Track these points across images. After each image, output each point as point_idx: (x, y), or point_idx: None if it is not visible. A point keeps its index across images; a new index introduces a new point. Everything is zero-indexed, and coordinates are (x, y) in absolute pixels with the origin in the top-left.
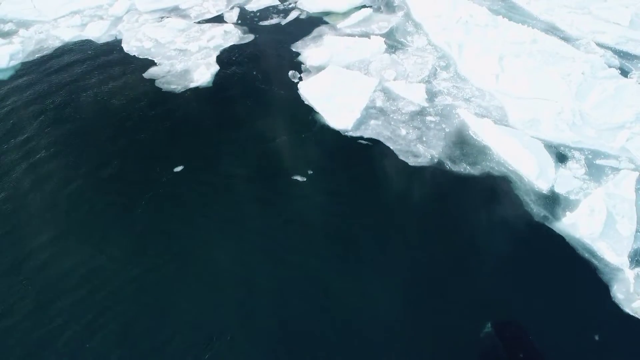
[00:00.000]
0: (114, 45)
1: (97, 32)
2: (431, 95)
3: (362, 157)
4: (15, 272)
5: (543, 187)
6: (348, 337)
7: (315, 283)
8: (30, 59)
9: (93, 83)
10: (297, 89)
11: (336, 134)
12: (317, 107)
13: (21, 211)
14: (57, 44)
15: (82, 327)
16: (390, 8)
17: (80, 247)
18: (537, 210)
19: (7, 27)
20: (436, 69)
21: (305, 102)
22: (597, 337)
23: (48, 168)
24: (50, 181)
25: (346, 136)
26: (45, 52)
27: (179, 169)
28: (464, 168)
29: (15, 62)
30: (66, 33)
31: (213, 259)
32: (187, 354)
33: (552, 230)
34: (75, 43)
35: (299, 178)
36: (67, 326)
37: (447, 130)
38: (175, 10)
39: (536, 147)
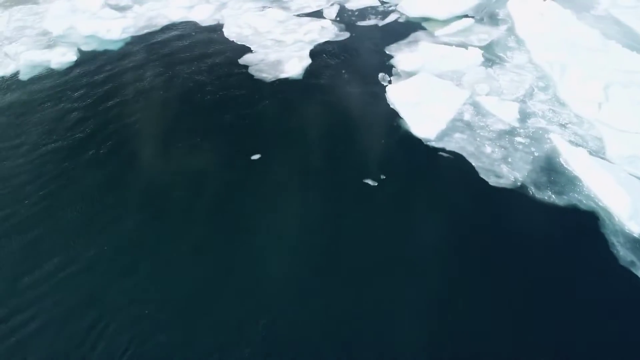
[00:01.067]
0: (216, 29)
1: (202, 15)
2: (524, 116)
3: (440, 169)
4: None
5: (635, 229)
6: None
7: (364, 284)
8: (139, 33)
9: (190, 60)
10: (385, 92)
11: (418, 142)
12: (403, 112)
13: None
14: (164, 22)
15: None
16: (493, 20)
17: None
18: (624, 254)
19: (123, 2)
20: (533, 89)
21: (391, 106)
22: None
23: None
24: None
25: (427, 146)
26: (153, 29)
27: (256, 157)
28: (548, 196)
29: (125, 36)
30: (174, 13)
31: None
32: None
33: (638, 277)
34: (180, 23)
35: (370, 182)
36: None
37: (536, 154)
38: (277, 2)
39: (633, 185)
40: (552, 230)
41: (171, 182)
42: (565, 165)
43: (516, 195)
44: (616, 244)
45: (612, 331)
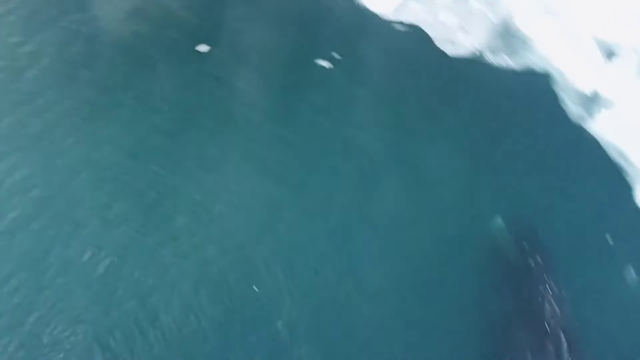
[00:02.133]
0: None
1: None
2: None
3: (397, 43)
4: None
5: (585, 86)
6: None
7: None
8: None
9: None
10: None
11: (373, 17)
12: None
13: None
14: None
15: None
16: None
17: None
18: (574, 110)
19: None
20: None
21: None
22: (609, 239)
23: None
24: None
25: (383, 20)
26: None
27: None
28: (504, 60)
29: None
30: None
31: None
32: None
33: (587, 131)
34: None
35: (324, 63)
36: None
37: (491, 19)
38: None
39: (586, 43)
40: (506, 91)
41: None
42: (521, 28)
43: (473, 62)
44: (567, 100)
45: (558, 180)
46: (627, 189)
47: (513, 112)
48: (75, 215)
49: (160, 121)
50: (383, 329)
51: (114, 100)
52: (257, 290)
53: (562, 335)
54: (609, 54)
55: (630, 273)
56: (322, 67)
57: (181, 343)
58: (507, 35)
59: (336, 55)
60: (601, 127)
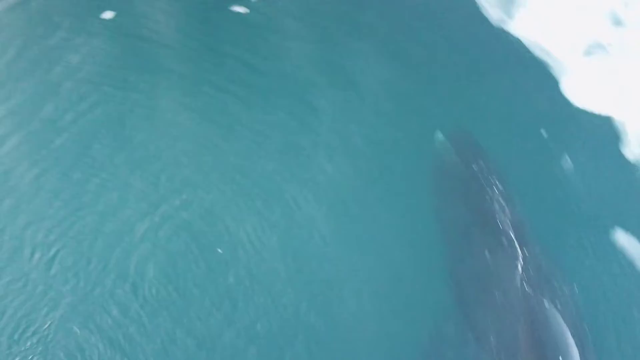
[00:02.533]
0: None
1: None
2: None
3: None
4: None
5: None
6: None
7: None
8: None
9: None
10: None
11: None
12: None
13: None
14: None
15: None
16: None
17: None
18: (493, 13)
19: None
20: None
21: None
22: (544, 133)
23: None
24: None
25: None
26: None
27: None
28: None
29: None
30: None
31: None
32: None
33: (509, 33)
34: None
35: (240, 9)
36: None
37: None
38: None
39: None
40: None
41: None
42: None
43: None
44: (486, 4)
45: (486, 85)
46: (554, 82)
47: (432, 20)
48: None
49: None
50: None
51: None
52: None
53: (512, 230)
54: None
55: (567, 162)
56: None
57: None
58: None
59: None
60: (521, 27)
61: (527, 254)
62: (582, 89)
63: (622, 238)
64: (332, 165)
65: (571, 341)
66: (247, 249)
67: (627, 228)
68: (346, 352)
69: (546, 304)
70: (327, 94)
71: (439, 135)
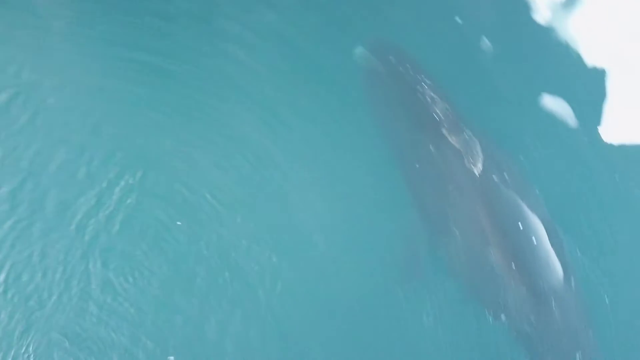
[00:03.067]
0: None
1: None
2: None
3: None
4: None
5: None
6: None
7: None
8: None
9: None
10: None
11: None
12: None
13: None
14: None
15: None
16: None
17: None
18: None
19: None
20: None
21: None
22: (459, 20)
23: None
24: None
25: None
26: None
27: None
28: None
29: None
30: None
31: None
32: None
33: None
34: None
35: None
36: None
37: None
38: None
39: None
40: None
41: None
42: None
43: None
44: None
45: None
46: None
47: None
48: None
49: None
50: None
51: None
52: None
53: (448, 119)
54: None
55: (486, 43)
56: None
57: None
58: None
59: None
60: None
61: (468, 138)
62: None
63: (549, 102)
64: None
65: (526, 207)
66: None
67: (552, 92)
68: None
69: (495, 178)
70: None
71: (360, 50)
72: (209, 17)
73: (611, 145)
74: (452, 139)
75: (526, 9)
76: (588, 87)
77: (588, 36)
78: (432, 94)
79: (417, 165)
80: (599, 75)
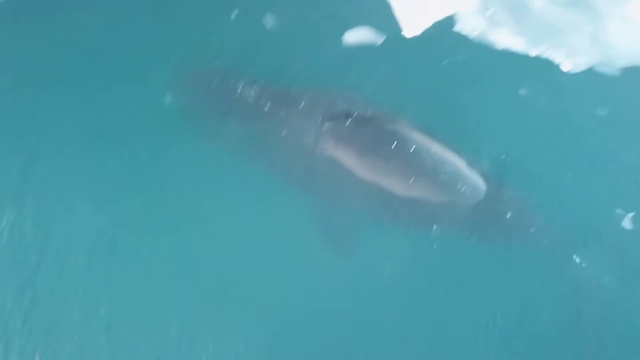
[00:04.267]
0: None
1: None
2: None
3: None
4: None
5: None
6: None
7: None
8: None
9: None
10: None
11: None
12: None
13: None
14: None
15: None
16: None
17: None
18: None
19: None
20: None
21: None
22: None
23: None
24: None
25: None
26: None
27: None
28: None
29: None
30: None
31: None
32: None
33: None
34: None
35: None
36: None
37: None
38: None
39: None
40: None
41: None
42: None
43: None
44: None
45: None
46: None
47: None
48: None
49: None
50: None
51: None
52: None
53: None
54: None
55: (269, 20)
56: None
57: None
58: None
59: None
60: None
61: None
62: None
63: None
64: None
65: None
66: None
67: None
68: None
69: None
70: None
71: (167, 97)
72: None
73: None
74: (305, 111)
75: None
76: None
77: None
78: (252, 90)
79: (276, 154)
80: None
